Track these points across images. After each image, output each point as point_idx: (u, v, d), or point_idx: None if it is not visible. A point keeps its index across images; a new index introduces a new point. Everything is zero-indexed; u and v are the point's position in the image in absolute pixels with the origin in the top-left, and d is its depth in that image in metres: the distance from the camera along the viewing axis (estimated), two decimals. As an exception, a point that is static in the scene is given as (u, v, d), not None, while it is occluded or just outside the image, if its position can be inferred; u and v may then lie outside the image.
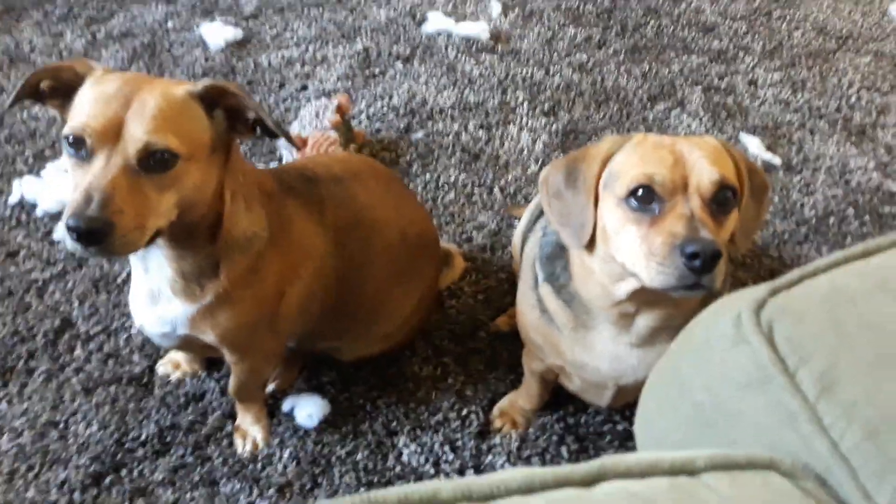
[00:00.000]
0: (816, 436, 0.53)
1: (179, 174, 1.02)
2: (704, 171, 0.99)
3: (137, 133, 0.98)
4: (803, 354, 0.56)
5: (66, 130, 1.00)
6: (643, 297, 1.07)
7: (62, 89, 1.08)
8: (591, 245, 1.08)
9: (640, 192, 1.00)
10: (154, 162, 1.00)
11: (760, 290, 0.63)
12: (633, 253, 1.00)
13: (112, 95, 1.00)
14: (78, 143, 0.99)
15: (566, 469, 0.51)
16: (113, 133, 0.98)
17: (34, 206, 1.96)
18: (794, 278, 0.64)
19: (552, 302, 1.21)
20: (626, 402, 1.33)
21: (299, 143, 1.93)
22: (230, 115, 1.09)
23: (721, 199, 1.01)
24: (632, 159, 1.03)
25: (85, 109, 1.00)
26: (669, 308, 1.10)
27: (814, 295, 0.61)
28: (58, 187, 1.97)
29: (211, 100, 1.06)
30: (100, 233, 0.95)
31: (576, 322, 1.18)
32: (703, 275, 0.94)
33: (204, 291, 1.18)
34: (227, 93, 1.06)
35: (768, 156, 2.24)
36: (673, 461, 0.52)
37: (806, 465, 0.53)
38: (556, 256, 1.19)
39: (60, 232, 1.87)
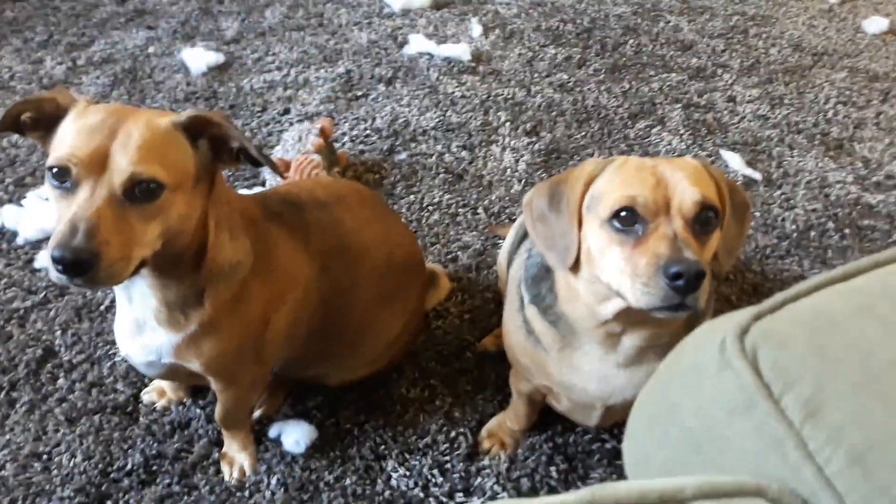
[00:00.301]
0: (802, 461, 0.53)
1: (164, 204, 1.02)
2: (686, 191, 1.01)
3: (123, 164, 0.98)
4: (788, 380, 0.57)
5: (51, 161, 0.99)
6: (629, 317, 1.08)
7: (44, 121, 1.07)
8: (575, 266, 1.09)
9: (623, 213, 1.01)
10: (139, 192, 0.99)
11: (744, 315, 0.64)
12: (617, 274, 1.01)
13: (97, 126, 0.99)
14: (62, 173, 0.99)
15: (556, 500, 0.51)
16: (98, 164, 0.98)
17: (15, 234, 1.95)
18: (777, 303, 0.64)
19: (538, 323, 1.21)
20: (614, 421, 1.33)
21: (283, 170, 1.93)
22: (214, 144, 1.09)
23: (703, 219, 1.03)
24: (614, 182, 1.04)
25: (69, 140, 0.99)
26: (655, 327, 1.11)
27: (797, 319, 0.62)
28: (39, 215, 1.95)
29: (195, 130, 1.06)
30: (86, 263, 0.94)
31: (562, 343, 1.19)
32: (687, 295, 0.95)
33: (188, 320, 1.18)
34: (211, 123, 1.06)
35: (749, 171, 2.27)
36: (662, 490, 0.52)
37: (793, 491, 0.53)
38: (541, 278, 1.20)
39: (43, 261, 1.85)
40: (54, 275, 0.97)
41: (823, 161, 2.34)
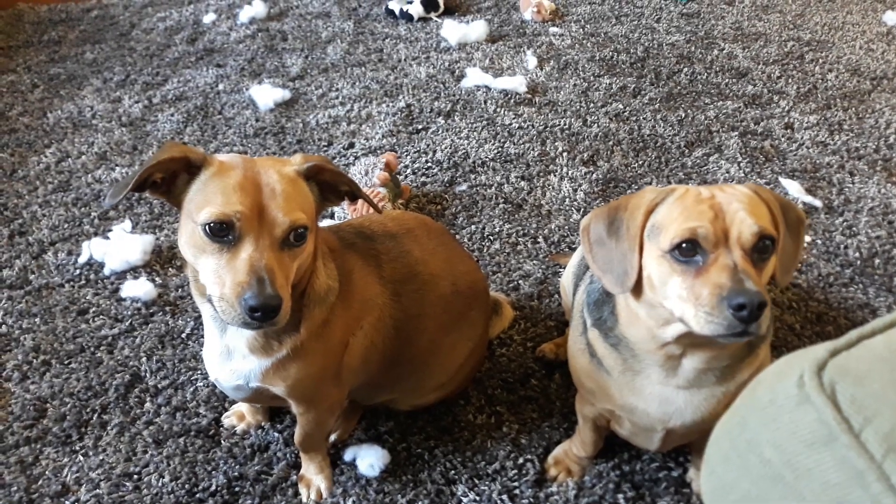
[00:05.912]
0: (885, 494, 0.56)
1: (305, 244, 1.13)
2: (744, 223, 1.05)
3: (280, 215, 1.08)
4: (867, 415, 0.60)
5: (209, 218, 1.06)
6: (689, 340, 1.12)
7: (168, 178, 1.16)
8: (636, 290, 1.13)
9: (685, 245, 1.05)
10: (293, 238, 1.10)
11: (819, 351, 0.67)
12: (679, 302, 1.05)
13: (244, 183, 1.08)
14: (224, 229, 1.07)
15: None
16: (257, 217, 1.07)
17: (102, 265, 2.07)
18: (853, 339, 0.67)
19: (600, 346, 1.25)
20: (674, 445, 1.36)
21: (380, 209, 2.02)
22: (320, 186, 1.21)
23: (760, 248, 1.06)
24: (674, 213, 1.09)
25: (221, 198, 1.07)
26: (715, 350, 1.14)
27: (873, 356, 0.65)
28: (124, 248, 2.07)
29: (309, 175, 1.18)
30: (277, 308, 1.05)
31: (624, 366, 1.23)
32: (750, 323, 0.99)
33: (282, 345, 1.25)
34: (325, 170, 1.18)
35: (809, 199, 2.27)
36: (749, 517, 0.56)
37: (877, 521, 0.56)
38: (603, 302, 1.25)
39: (129, 291, 1.97)
40: (242, 321, 1.06)
41: (886, 187, 2.33)
